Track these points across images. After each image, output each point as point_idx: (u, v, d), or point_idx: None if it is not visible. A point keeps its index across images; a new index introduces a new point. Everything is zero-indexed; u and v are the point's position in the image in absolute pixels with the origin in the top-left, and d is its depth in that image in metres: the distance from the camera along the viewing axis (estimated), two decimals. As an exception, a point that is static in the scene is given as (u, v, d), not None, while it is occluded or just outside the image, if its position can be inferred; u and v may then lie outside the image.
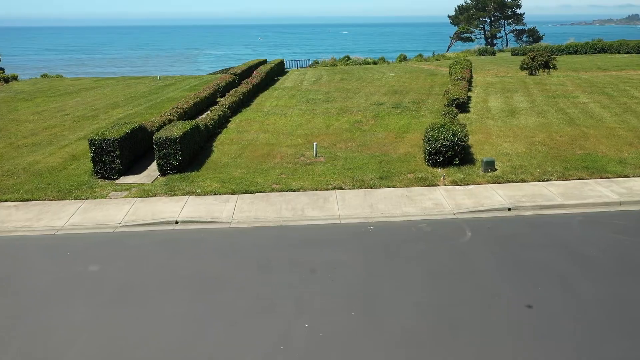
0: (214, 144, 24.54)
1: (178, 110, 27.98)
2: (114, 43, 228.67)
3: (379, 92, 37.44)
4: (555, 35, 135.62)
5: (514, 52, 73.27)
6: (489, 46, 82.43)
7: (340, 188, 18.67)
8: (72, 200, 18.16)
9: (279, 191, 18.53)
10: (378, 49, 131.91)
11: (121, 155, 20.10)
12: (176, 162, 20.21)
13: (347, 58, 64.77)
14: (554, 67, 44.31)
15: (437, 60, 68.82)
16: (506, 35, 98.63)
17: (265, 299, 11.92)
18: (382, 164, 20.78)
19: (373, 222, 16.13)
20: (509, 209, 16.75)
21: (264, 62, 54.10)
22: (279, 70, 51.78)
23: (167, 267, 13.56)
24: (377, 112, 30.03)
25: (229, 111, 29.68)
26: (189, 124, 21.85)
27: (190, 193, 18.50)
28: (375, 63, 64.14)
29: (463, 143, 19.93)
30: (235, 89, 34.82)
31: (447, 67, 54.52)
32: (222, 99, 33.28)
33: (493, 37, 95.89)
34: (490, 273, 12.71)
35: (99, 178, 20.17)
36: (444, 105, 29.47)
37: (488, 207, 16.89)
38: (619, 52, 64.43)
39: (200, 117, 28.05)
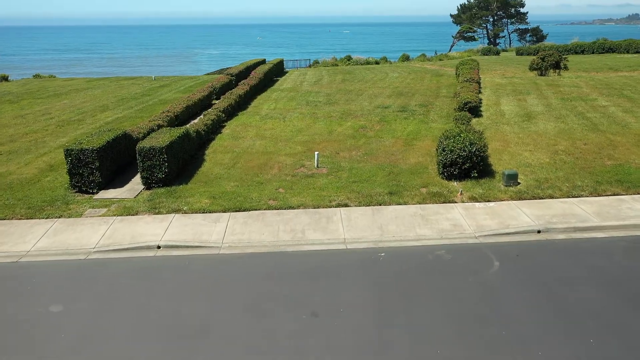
0: (207, 152, 22.33)
1: (168, 114, 25.77)
2: (114, 43, 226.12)
3: (383, 94, 35.22)
4: (557, 35, 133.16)
5: (519, 52, 71.09)
6: (492, 46, 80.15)
7: (345, 205, 16.45)
8: (43, 220, 15.92)
9: (276, 209, 16.32)
10: (379, 48, 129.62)
11: (101, 167, 17.89)
12: (162, 174, 17.99)
13: (349, 58, 62.51)
14: (565, 68, 42.06)
15: (440, 60, 66.57)
16: (509, 35, 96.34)
17: (256, 353, 9.73)
18: (391, 176, 18.56)
19: (383, 247, 13.93)
20: (539, 232, 14.55)
21: (263, 62, 51.90)
22: (278, 70, 49.56)
23: (142, 306, 11.35)
24: (383, 116, 27.81)
25: (223, 115, 27.47)
26: (177, 131, 19.64)
27: (177, 211, 16.29)
28: (377, 63, 61.90)
29: (482, 154, 17.71)
30: (231, 90, 32.60)
31: (452, 67, 52.36)
32: (217, 102, 31.03)
33: (496, 36, 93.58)
34: (528, 319, 10.49)
35: (76, 192, 17.95)
36: (455, 109, 27.26)
37: (514, 229, 14.69)
38: (627, 52, 62.16)
39: (192, 122, 25.83)
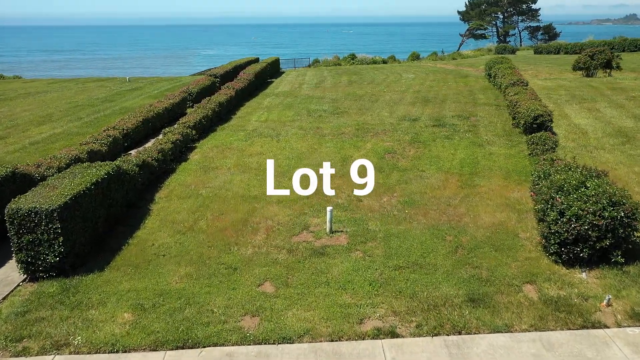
0: (157, 195, 14.10)
1: (113, 133, 17.52)
2: (108, 43, 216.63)
3: (404, 101, 27.00)
4: (560, 35, 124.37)
5: (537, 51, 63.17)
6: (506, 44, 71.92)
7: (392, 333, 8.21)
8: None
9: (256, 341, 8.09)
10: (379, 49, 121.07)
11: (-54, 243, 9.65)
12: (54, 257, 9.74)
13: (353, 57, 54.19)
14: (618, 68, 33.95)
15: (454, 59, 58.40)
16: (519, 33, 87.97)
17: None
18: (461, 254, 10.36)
19: None
20: None
21: (256, 61, 43.58)
22: (273, 70, 41.28)
23: None
24: (414, 133, 19.58)
25: (194, 132, 19.19)
26: (95, 173, 11.34)
27: (60, 347, 8.06)
28: (384, 62, 53.62)
29: (633, 222, 9.51)
30: (210, 97, 24.29)
31: (471, 66, 44.32)
32: (191, 111, 22.62)
33: (506, 34, 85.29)
34: None
35: None
36: (515, 125, 19.15)
37: None
38: (664, 50, 54.12)
39: (145, 146, 17.55)
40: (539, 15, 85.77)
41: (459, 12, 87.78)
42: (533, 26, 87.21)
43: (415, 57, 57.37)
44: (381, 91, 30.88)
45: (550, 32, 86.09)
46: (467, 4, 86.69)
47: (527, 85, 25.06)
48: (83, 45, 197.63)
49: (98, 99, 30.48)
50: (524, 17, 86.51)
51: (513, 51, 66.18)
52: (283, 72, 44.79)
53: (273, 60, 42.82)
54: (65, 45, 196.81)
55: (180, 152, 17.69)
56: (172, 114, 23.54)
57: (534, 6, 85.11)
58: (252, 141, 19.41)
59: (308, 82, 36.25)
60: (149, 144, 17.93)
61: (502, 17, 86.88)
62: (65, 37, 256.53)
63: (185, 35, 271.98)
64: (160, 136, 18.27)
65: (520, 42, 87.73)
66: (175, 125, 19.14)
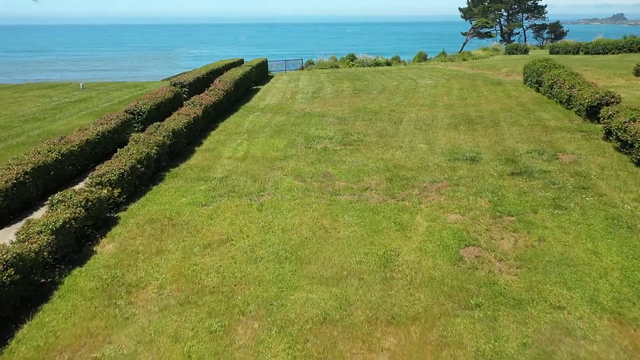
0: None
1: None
2: (97, 43, 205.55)
3: (439, 121, 18.80)
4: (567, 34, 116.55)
5: (554, 50, 55.28)
6: (517, 43, 63.95)
7: None
8: None
9: None
10: (376, 48, 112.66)
11: None
12: None
13: (352, 57, 45.81)
14: (694, 72, 26.10)
15: (464, 60, 50.31)
16: (524, 31, 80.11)
17: None
18: None
19: None
20: None
21: (240, 62, 35.12)
22: (259, 75, 32.88)
23: None
24: (490, 191, 11.30)
25: (117, 192, 10.79)
26: None
27: None
28: (388, 64, 45.37)
29: None
30: (160, 123, 15.75)
31: (489, 68, 36.40)
32: (121, 151, 14.07)
33: (510, 33, 77.35)
34: None
35: None
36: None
37: None
38: None
39: (30, 217, 9.09)
40: (545, 13, 77.94)
41: (460, 10, 79.66)
42: (538, 24, 79.35)
43: (423, 57, 49.14)
44: (400, 104, 22.68)
45: (556, 30, 78.28)
46: (470, 0, 78.56)
47: (620, 101, 16.93)
48: (69, 45, 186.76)
49: (22, 117, 21.95)
50: (529, 14, 78.60)
51: (525, 51, 58.30)
52: (272, 76, 36.40)
53: (260, 62, 34.37)
54: (49, 45, 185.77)
55: (79, 238, 9.32)
56: (104, 149, 15.10)
57: (540, 3, 77.23)
58: (216, 207, 11.02)
59: (303, 91, 27.93)
60: (33, 215, 9.45)
61: (506, 14, 78.91)
62: (53, 37, 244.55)
63: (176, 35, 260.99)
64: (43, 209, 9.84)
65: (525, 40, 79.88)
66: (82, 184, 10.69)
